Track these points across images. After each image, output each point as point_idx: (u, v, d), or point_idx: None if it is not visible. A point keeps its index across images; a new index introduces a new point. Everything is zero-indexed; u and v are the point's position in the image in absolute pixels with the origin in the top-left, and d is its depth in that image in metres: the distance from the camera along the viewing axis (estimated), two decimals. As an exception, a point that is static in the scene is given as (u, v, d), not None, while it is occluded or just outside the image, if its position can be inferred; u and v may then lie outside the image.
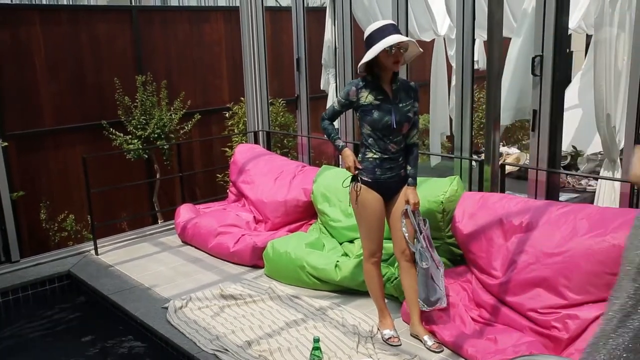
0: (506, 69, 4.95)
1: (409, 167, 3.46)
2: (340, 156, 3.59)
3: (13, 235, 4.98)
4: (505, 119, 5.06)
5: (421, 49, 3.36)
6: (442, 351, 3.37)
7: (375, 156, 3.37)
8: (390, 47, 3.17)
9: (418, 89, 3.46)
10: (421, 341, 3.46)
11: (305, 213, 5.14)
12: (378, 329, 3.62)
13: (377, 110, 3.29)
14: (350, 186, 3.48)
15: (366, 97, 3.31)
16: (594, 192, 5.25)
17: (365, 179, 3.40)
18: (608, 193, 4.23)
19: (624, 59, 4.12)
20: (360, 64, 3.29)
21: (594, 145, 5.89)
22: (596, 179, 5.43)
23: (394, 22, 3.35)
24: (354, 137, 5.51)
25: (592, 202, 4.79)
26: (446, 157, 6.80)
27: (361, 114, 3.35)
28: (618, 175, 4.13)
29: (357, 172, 3.40)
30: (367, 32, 3.28)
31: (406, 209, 3.45)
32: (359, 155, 3.45)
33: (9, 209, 4.94)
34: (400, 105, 3.33)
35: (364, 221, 3.47)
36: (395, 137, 3.35)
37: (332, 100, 6.56)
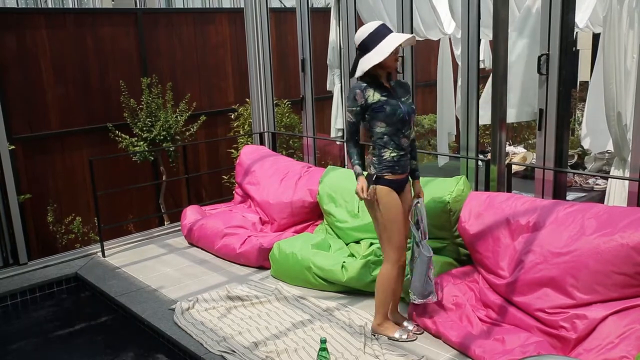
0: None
1: (414, 162, 3.52)
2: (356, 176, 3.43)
3: (21, 237, 5.00)
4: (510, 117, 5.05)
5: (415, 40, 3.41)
6: (422, 333, 3.56)
7: (392, 154, 3.33)
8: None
9: (410, 85, 3.51)
10: (401, 327, 3.59)
11: (312, 214, 5.13)
12: (376, 334, 3.56)
13: (388, 105, 3.29)
14: (370, 190, 3.35)
15: (373, 96, 3.30)
16: (602, 191, 5.23)
17: (388, 178, 3.35)
18: (618, 192, 4.20)
19: (634, 57, 4.10)
20: (367, 67, 3.23)
21: (602, 144, 5.86)
22: (603, 177, 5.41)
23: (383, 22, 3.33)
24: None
25: (599, 201, 4.77)
26: (452, 156, 6.79)
27: (372, 114, 3.30)
28: (628, 173, 4.10)
29: (367, 196, 3.32)
30: (360, 37, 3.26)
31: (418, 202, 3.48)
32: (375, 158, 3.35)
33: (17, 212, 4.96)
34: (402, 99, 3.37)
35: (393, 224, 3.38)
36: (407, 130, 3.36)
37: (336, 102, 6.57)
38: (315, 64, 5.96)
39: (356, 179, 3.39)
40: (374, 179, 3.34)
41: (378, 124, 3.31)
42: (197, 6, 13.50)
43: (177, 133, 7.26)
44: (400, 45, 3.23)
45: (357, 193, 3.37)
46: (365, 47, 3.24)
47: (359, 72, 3.30)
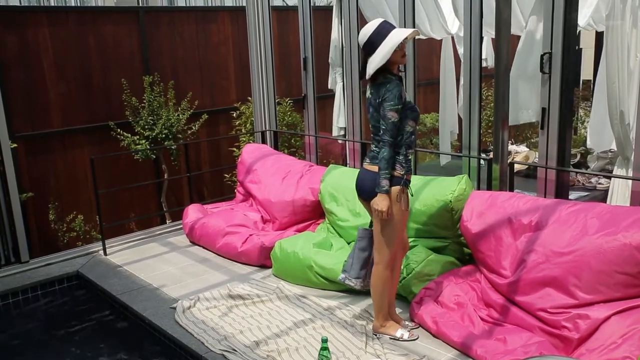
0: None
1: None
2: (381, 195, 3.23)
3: (22, 236, 5.01)
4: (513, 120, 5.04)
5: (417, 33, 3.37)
6: (417, 327, 3.60)
7: (412, 155, 3.34)
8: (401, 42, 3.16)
9: None
10: (402, 326, 3.59)
11: (313, 213, 5.12)
12: (377, 334, 3.55)
13: (415, 104, 3.28)
14: (399, 193, 3.26)
15: (406, 95, 3.29)
16: (604, 190, 5.21)
17: (409, 179, 3.33)
18: (621, 191, 4.18)
19: (637, 56, 4.08)
20: (378, 65, 3.15)
21: (605, 143, 5.84)
22: (606, 177, 5.39)
23: (384, 19, 3.29)
24: (361, 137, 5.48)
25: (602, 200, 4.75)
26: (455, 155, 6.78)
27: (406, 112, 3.22)
28: (631, 172, 4.09)
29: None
30: (365, 37, 3.20)
31: None
32: (401, 157, 3.24)
33: (18, 210, 4.96)
34: None
35: (402, 224, 3.38)
36: None
37: (338, 100, 6.55)
38: (317, 63, 5.95)
39: (379, 193, 3.19)
40: (404, 179, 3.28)
41: (409, 123, 3.25)
42: (199, 4, 13.48)
43: (178, 131, 7.27)
44: (406, 39, 3.16)
45: (380, 212, 3.21)
46: (371, 46, 3.18)
47: (368, 74, 3.22)
